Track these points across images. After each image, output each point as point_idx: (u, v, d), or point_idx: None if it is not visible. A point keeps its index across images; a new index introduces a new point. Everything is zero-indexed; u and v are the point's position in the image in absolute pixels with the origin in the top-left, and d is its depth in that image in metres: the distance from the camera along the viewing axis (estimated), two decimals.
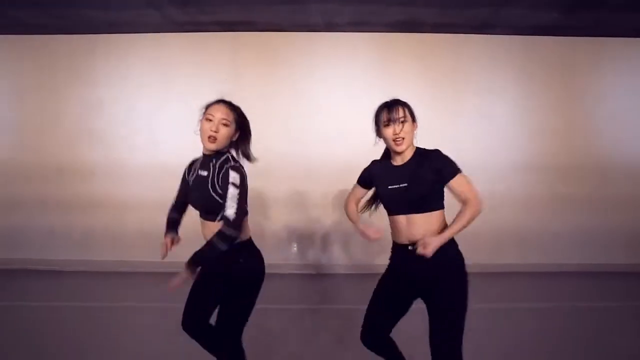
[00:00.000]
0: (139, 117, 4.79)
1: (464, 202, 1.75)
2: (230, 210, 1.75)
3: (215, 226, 1.84)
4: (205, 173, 1.86)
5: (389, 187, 1.83)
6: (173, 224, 2.15)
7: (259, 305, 1.91)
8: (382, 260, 2.04)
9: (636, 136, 4.77)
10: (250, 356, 1.97)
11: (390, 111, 1.80)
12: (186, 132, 4.89)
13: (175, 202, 2.17)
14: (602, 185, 4.77)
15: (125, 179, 4.75)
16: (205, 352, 1.92)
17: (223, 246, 1.75)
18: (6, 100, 4.82)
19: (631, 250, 4.73)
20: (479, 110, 4.73)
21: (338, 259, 4.70)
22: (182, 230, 2.25)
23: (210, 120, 1.84)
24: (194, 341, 1.91)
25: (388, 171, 1.86)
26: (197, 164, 1.97)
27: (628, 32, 4.68)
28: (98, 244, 4.74)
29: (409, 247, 1.77)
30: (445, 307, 1.72)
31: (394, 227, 1.85)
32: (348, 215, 2.08)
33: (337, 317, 3.26)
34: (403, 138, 1.78)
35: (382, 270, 1.93)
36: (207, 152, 1.90)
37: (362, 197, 2.07)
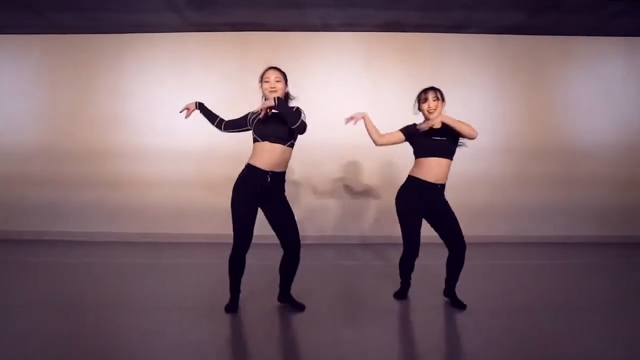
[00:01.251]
0: (159, 105, 5.44)
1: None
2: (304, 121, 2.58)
3: (284, 150, 2.60)
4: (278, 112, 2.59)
5: (433, 137, 2.68)
6: (212, 117, 2.93)
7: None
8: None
9: (593, 122, 5.42)
10: None
11: (427, 92, 2.76)
12: (199, 120, 5.61)
13: (228, 121, 2.88)
14: (565, 165, 5.41)
15: (146, 160, 5.41)
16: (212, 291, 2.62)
17: (297, 119, 2.52)
18: (46, 92, 5.49)
19: (590, 223, 5.39)
20: (456, 100, 5.35)
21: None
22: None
23: (267, 81, 2.63)
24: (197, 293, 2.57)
25: (428, 131, 2.68)
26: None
27: (585, 32, 5.34)
28: (124, 218, 5.44)
29: (438, 186, 2.71)
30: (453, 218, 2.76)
31: (424, 169, 2.71)
32: (390, 139, 2.85)
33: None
34: (434, 110, 2.71)
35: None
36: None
37: (394, 141, 2.86)
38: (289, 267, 2.75)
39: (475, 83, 5.42)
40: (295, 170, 5.21)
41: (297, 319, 2.66)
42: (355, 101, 5.36)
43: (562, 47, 5.43)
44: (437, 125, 2.65)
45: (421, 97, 2.80)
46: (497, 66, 5.43)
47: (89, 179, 5.39)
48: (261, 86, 2.67)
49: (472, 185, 5.33)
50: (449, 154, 2.71)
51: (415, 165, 2.80)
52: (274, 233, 2.72)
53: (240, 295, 2.80)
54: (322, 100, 5.36)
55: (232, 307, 2.76)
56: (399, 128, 2.86)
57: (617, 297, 3.10)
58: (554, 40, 5.42)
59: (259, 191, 2.59)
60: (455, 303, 2.85)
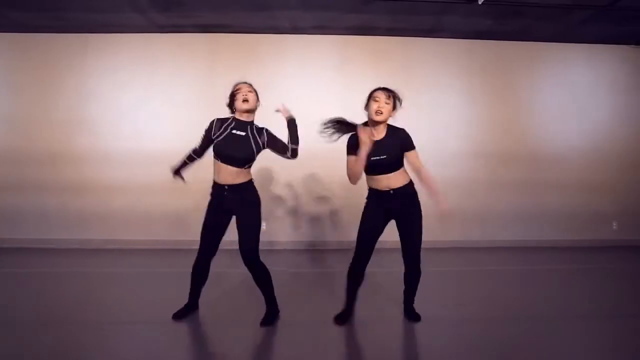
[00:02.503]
0: (125, 108, 5.29)
1: (417, 170, 2.58)
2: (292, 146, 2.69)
3: (239, 171, 2.58)
4: (243, 133, 2.59)
5: (372, 158, 2.49)
6: (187, 163, 2.83)
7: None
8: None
9: (561, 128, 5.50)
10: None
11: (379, 92, 2.54)
12: (167, 123, 5.50)
13: (198, 148, 2.78)
14: (535, 170, 5.46)
15: (112, 165, 5.25)
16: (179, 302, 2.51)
17: (295, 147, 2.71)
18: (5, 93, 5.28)
19: (558, 227, 5.45)
20: (427, 103, 5.39)
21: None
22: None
23: (239, 92, 2.63)
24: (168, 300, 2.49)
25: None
26: (228, 126, 2.63)
27: (551, 38, 5.41)
28: (88, 224, 5.25)
29: (390, 192, 2.56)
30: (415, 227, 2.61)
31: (375, 181, 2.59)
32: (356, 173, 2.55)
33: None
34: (382, 113, 2.50)
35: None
36: (241, 118, 2.64)
37: (354, 168, 2.67)
38: (255, 281, 2.73)
39: (446, 87, 5.44)
40: (272, 176, 5.11)
41: (257, 330, 2.57)
42: (328, 105, 5.30)
43: (530, 53, 5.49)
44: (446, 206, 2.58)
45: (372, 96, 2.55)
46: (467, 71, 5.45)
47: (50, 184, 5.20)
48: (234, 100, 2.66)
49: (444, 191, 5.32)
50: (394, 168, 2.54)
51: (367, 178, 2.67)
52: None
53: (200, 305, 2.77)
54: (292, 104, 5.27)
55: (180, 314, 2.74)
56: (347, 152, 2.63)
57: (591, 302, 3.11)
58: (522, 46, 5.48)
59: (221, 202, 2.64)
60: (410, 315, 2.76)
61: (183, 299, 2.84)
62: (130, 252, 4.89)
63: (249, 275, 2.68)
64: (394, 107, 2.56)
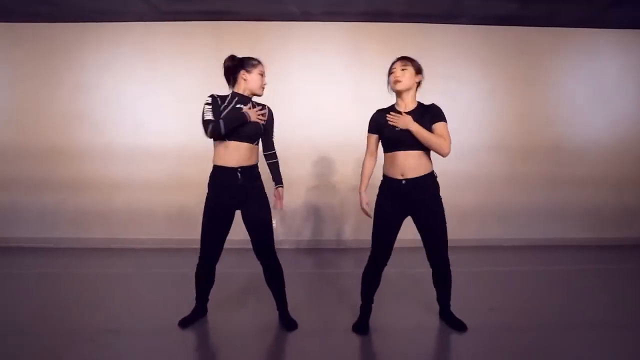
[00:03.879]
0: (126, 101, 5.05)
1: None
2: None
3: (253, 148, 2.39)
4: (247, 106, 2.38)
5: (396, 129, 2.28)
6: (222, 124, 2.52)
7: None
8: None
9: (587, 120, 5.17)
10: None
11: (394, 63, 2.39)
12: (170, 116, 5.25)
13: (216, 118, 2.35)
14: (556, 164, 5.16)
15: (112, 160, 5.01)
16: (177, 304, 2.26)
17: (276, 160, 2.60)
18: (1, 85, 5.04)
19: (581, 225, 5.15)
20: (443, 94, 5.07)
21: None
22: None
23: (262, 75, 2.45)
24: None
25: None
26: (232, 100, 2.40)
27: (578, 23, 5.08)
28: (89, 222, 5.02)
29: (403, 182, 2.29)
30: (435, 222, 2.34)
31: (391, 163, 2.32)
32: (363, 171, 2.48)
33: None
34: (401, 81, 2.32)
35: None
36: (244, 94, 2.43)
37: (377, 145, 2.48)
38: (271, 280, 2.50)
39: (464, 77, 5.13)
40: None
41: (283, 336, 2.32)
42: (338, 95, 5.05)
43: (554, 39, 5.15)
44: (401, 123, 2.26)
45: (389, 71, 2.42)
46: (486, 59, 5.13)
47: (48, 180, 4.97)
48: (253, 75, 2.44)
49: (460, 186, 5.05)
50: (418, 144, 2.29)
51: (384, 162, 2.44)
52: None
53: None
54: (302, 95, 5.03)
55: (186, 320, 2.51)
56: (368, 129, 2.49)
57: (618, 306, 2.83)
58: (546, 32, 5.14)
59: (230, 191, 2.35)
60: (452, 324, 2.51)
61: (188, 301, 2.59)
62: (132, 252, 4.66)
63: (256, 274, 2.44)
64: (417, 72, 2.38)
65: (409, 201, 2.31)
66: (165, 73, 5.04)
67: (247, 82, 2.39)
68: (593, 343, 2.25)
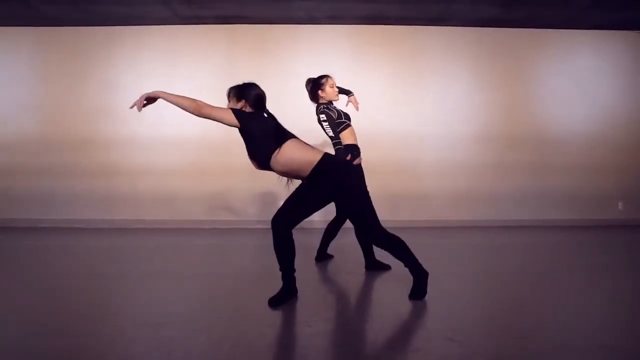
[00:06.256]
0: None
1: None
2: None
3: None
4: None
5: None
6: None
7: None
8: None
9: (567, 112, 5.68)
10: None
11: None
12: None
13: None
14: (540, 153, 5.66)
15: (136, 150, 5.56)
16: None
17: None
18: (36, 84, 5.60)
19: (561, 208, 5.65)
20: (436, 89, 5.61)
21: None
22: None
23: (332, 87, 3.24)
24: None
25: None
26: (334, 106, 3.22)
27: (558, 24, 5.59)
28: (115, 205, 5.55)
29: None
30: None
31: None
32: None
33: None
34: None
35: None
36: (327, 101, 3.23)
37: None
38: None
39: (455, 74, 5.65)
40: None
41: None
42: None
43: (536, 39, 5.68)
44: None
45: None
46: (475, 58, 5.66)
47: (79, 167, 5.51)
48: (327, 88, 3.28)
49: (454, 173, 5.54)
50: None
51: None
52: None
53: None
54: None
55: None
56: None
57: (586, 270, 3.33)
58: (528, 33, 5.67)
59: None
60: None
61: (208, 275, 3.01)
62: (155, 231, 5.16)
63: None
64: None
65: None
66: (183, 71, 5.57)
67: (325, 96, 3.22)
68: (562, 291, 2.73)
